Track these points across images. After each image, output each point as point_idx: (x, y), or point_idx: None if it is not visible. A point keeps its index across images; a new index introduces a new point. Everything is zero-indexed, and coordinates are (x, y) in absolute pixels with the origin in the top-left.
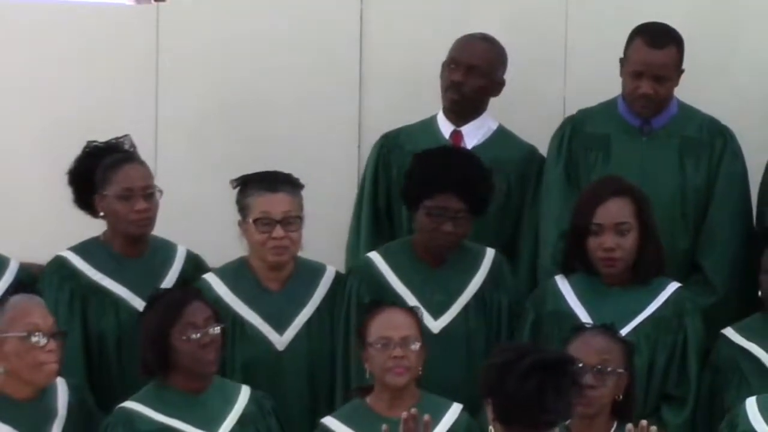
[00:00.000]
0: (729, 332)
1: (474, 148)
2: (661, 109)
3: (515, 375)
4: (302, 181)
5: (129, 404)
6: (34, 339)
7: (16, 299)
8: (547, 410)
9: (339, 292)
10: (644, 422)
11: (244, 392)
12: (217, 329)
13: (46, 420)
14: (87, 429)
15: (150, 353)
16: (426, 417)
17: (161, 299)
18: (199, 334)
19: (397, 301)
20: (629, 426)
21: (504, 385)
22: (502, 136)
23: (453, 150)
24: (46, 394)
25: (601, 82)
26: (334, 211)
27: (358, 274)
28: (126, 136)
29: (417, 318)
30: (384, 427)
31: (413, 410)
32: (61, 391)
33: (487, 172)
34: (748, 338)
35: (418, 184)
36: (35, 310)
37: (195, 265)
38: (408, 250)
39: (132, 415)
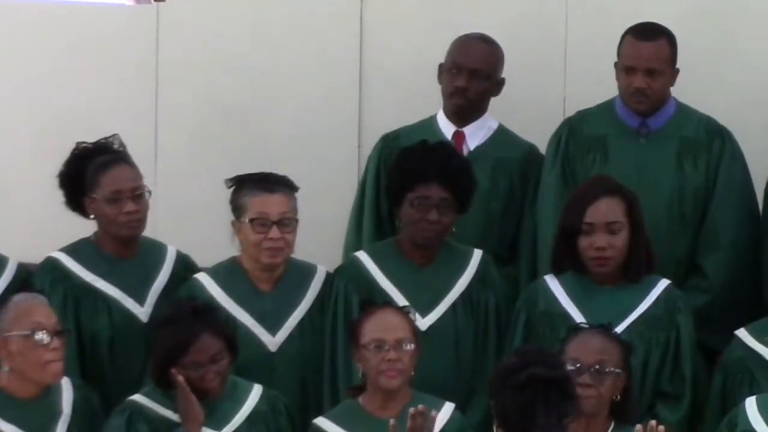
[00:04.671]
0: (742, 333)
1: (476, 148)
2: (656, 106)
3: (510, 385)
4: (302, 181)
5: (137, 398)
6: (37, 337)
7: (20, 298)
8: (536, 425)
9: (327, 292)
10: (653, 422)
11: (256, 391)
12: (225, 361)
13: (50, 419)
14: (92, 428)
15: (158, 372)
16: (433, 413)
17: (173, 323)
18: (203, 370)
19: (386, 300)
20: (638, 426)
21: (500, 392)
22: (502, 135)
23: (431, 143)
24: (50, 392)
25: (601, 82)
26: (334, 212)
27: (345, 273)
28: (115, 135)
29: (410, 318)
30: (392, 421)
31: (420, 407)
32: (66, 389)
33: (466, 162)
34: (760, 340)
35: (400, 179)
36: (39, 308)
37: (185, 266)
38: (394, 249)
39: (140, 408)
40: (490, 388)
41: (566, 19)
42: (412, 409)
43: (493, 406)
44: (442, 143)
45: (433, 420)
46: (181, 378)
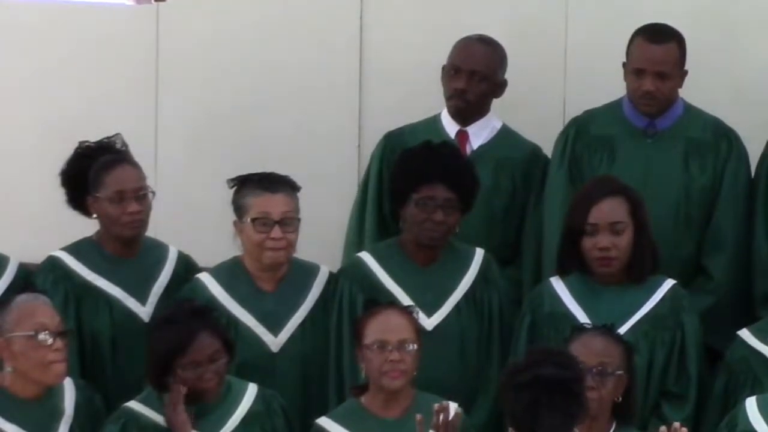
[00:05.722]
0: (744, 334)
1: (479, 147)
2: (665, 108)
3: (516, 384)
4: (302, 181)
5: (132, 404)
6: (41, 337)
7: (23, 299)
8: (542, 425)
9: (329, 293)
10: (677, 424)
11: (251, 391)
12: (223, 361)
13: (53, 419)
14: (94, 428)
15: (153, 372)
16: (458, 410)
17: (171, 323)
18: (200, 371)
19: (391, 300)
20: (662, 428)
21: (508, 391)
22: (506, 135)
23: (435, 144)
24: (53, 393)
25: (600, 82)
26: (334, 211)
27: (349, 274)
28: (117, 134)
29: (413, 318)
30: (418, 417)
31: (445, 402)
32: (68, 390)
33: (469, 163)
34: (763, 340)
35: (405, 179)
36: (42, 309)
37: (186, 266)
38: (397, 250)
39: (134, 415)
40: (499, 387)
41: (566, 19)
42: (436, 405)
43: (503, 405)
44: (446, 143)
45: (458, 416)
46: (183, 388)
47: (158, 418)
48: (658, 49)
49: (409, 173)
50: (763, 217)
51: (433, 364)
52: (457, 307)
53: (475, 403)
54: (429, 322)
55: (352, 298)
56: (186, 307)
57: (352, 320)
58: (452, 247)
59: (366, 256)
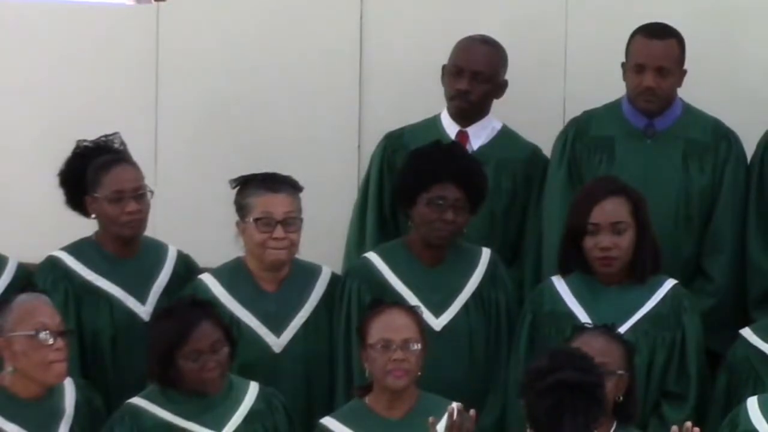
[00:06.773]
0: (746, 332)
1: (480, 148)
2: (664, 106)
3: (538, 388)
4: (302, 181)
5: (136, 400)
6: (41, 337)
7: (23, 298)
8: (564, 429)
9: (336, 293)
10: (689, 423)
11: (252, 389)
12: (225, 351)
13: (53, 419)
14: (94, 428)
15: (155, 366)
16: (472, 411)
17: (171, 314)
18: (202, 360)
19: (398, 301)
20: (674, 428)
21: (528, 394)
22: (506, 136)
23: (444, 144)
24: (53, 393)
25: (601, 82)
26: (334, 212)
27: (357, 274)
28: (116, 133)
29: (418, 318)
30: (431, 419)
31: (457, 404)
32: (69, 390)
33: (479, 163)
34: (765, 339)
35: (416, 178)
36: (42, 308)
37: (186, 266)
38: (403, 250)
39: (138, 412)
40: (520, 389)
41: (566, 19)
42: (450, 407)
43: (523, 407)
44: (455, 143)
45: (472, 419)
46: None
47: (162, 413)
48: (658, 44)
49: (420, 173)
50: (755, 220)
51: (441, 364)
52: (466, 306)
53: (485, 403)
54: (437, 322)
55: (361, 298)
56: (186, 300)
57: (360, 320)
58: (459, 247)
59: (373, 257)
